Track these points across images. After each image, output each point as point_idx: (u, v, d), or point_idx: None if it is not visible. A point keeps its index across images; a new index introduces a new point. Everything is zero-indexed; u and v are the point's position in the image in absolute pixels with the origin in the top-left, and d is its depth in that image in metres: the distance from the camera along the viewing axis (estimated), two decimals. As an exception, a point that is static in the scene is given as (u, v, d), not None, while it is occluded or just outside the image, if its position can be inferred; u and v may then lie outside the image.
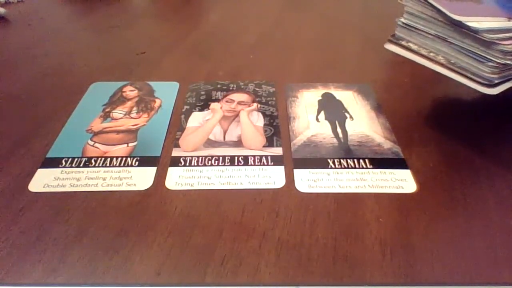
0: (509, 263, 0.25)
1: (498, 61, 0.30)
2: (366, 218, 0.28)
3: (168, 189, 0.31)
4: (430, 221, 0.28)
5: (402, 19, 0.37)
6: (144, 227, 0.28)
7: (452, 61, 0.33)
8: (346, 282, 0.24)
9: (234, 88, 0.43)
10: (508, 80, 0.32)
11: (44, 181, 0.31)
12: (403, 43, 0.37)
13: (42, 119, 0.38)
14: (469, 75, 0.32)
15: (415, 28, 0.36)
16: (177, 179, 0.31)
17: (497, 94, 0.31)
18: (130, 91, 0.43)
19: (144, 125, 0.38)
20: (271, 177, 0.32)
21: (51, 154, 0.34)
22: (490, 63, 0.31)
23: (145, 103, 0.41)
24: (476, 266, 0.25)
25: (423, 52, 0.35)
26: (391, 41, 0.38)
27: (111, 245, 0.26)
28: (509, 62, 0.30)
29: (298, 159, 0.33)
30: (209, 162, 0.33)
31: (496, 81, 0.31)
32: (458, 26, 0.32)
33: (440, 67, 0.34)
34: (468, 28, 0.31)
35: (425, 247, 0.26)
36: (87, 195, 0.30)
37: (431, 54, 0.35)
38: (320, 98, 0.42)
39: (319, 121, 0.38)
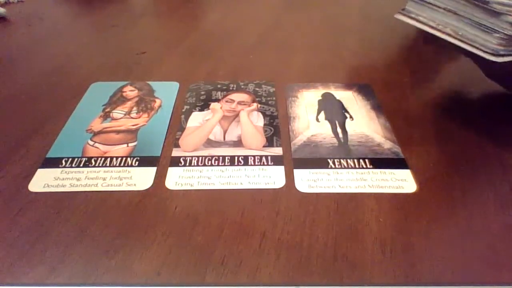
0: (509, 263, 0.25)
1: (506, 32, 0.30)
2: (366, 218, 0.28)
3: (168, 189, 0.31)
4: (430, 221, 0.28)
5: None
6: (144, 227, 0.28)
7: (460, 33, 0.34)
8: (346, 282, 0.24)
9: (234, 88, 0.43)
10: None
11: (44, 181, 0.31)
12: (413, 16, 0.37)
13: (42, 119, 0.38)
14: (475, 45, 0.33)
15: (425, 2, 0.36)
16: (177, 179, 0.31)
17: (497, 94, 0.31)
18: (130, 91, 0.43)
19: (144, 125, 0.38)
20: (271, 177, 0.32)
21: (51, 154, 0.34)
22: (497, 34, 0.31)
23: (145, 103, 0.41)
24: (476, 266, 0.25)
25: (432, 24, 0.36)
26: (401, 14, 0.38)
27: (111, 245, 0.26)
28: None
29: (298, 159, 0.33)
30: (209, 162, 0.33)
31: (502, 53, 0.31)
32: None
33: (447, 36, 0.34)
34: None
35: (425, 247, 0.26)
36: (87, 195, 0.30)
37: (440, 26, 0.35)
38: (320, 98, 0.41)
39: (319, 121, 0.38)
